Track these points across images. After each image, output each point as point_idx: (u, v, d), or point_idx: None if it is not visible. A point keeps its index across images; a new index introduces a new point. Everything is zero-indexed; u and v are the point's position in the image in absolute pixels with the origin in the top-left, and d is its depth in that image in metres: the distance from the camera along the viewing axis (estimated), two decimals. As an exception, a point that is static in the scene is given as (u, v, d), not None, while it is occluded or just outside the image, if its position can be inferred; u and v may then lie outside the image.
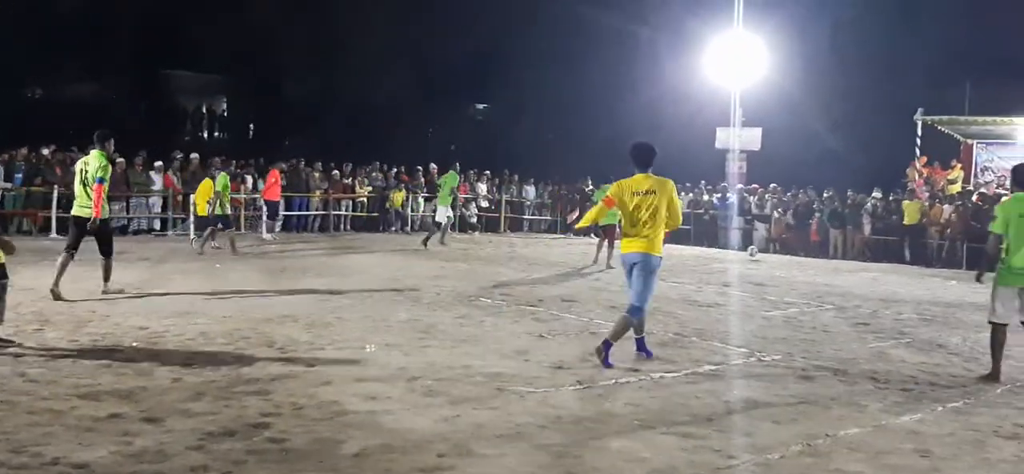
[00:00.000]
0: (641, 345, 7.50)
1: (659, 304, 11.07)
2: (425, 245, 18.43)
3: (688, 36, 26.91)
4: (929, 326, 10.28)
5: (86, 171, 9.82)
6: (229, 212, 16.74)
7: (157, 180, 20.31)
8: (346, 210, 24.32)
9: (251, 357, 7.00)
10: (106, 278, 10.12)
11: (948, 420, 5.87)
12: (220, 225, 15.97)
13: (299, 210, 23.22)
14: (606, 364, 6.98)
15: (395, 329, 8.52)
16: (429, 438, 5.02)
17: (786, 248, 22.81)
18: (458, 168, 21.59)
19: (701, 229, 24.62)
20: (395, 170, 25.89)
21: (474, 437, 5.07)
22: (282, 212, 22.61)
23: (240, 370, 6.54)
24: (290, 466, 4.54)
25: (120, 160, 18.60)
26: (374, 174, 25.27)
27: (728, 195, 24.70)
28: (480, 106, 43.72)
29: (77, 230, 9.96)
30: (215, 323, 8.39)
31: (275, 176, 20.06)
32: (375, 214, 24.77)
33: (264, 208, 20.44)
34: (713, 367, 7.35)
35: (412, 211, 25.04)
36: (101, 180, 9.71)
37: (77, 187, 9.99)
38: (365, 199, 24.67)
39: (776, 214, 23.98)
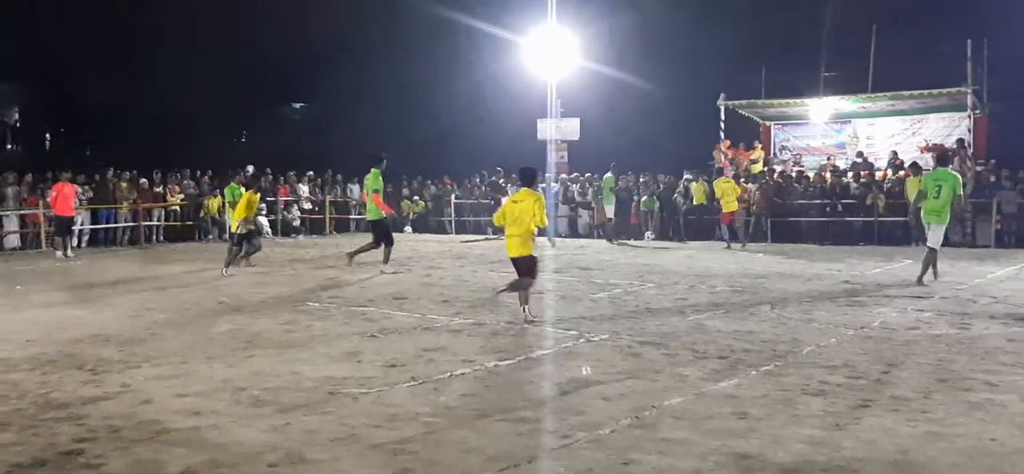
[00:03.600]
0: None
1: (491, 294, 11.19)
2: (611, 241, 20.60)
3: (504, 29, 27.31)
4: (741, 296, 10.93)
5: (366, 185, 14.46)
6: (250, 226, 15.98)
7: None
8: (158, 220, 23.06)
9: (60, 381, 6.49)
10: (385, 261, 14.08)
11: (761, 382, 6.25)
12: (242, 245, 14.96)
13: (106, 223, 21.81)
14: None
15: (217, 341, 8.14)
16: (259, 449, 4.82)
17: (607, 232, 23.59)
18: (614, 166, 22.87)
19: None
20: (208, 175, 24.80)
21: (306, 443, 4.91)
22: (88, 226, 21.23)
23: (48, 396, 6.05)
24: (106, 494, 4.24)
25: None
26: (185, 182, 24.10)
27: (552, 184, 25.27)
28: (297, 105, 42.59)
29: (382, 228, 14.30)
30: (17, 348, 7.73)
31: (58, 189, 18.56)
32: (190, 223, 23.65)
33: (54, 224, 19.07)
34: (544, 352, 7.49)
35: (229, 218, 24.06)
36: (376, 191, 14.12)
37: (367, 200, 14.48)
38: (178, 208, 23.49)
39: (597, 201, 24.76)
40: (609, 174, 22.96)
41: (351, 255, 14.55)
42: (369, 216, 14.59)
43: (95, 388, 6.28)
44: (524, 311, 9.28)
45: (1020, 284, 12.06)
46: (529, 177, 9.92)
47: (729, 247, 19.32)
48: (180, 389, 6.22)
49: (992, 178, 20.29)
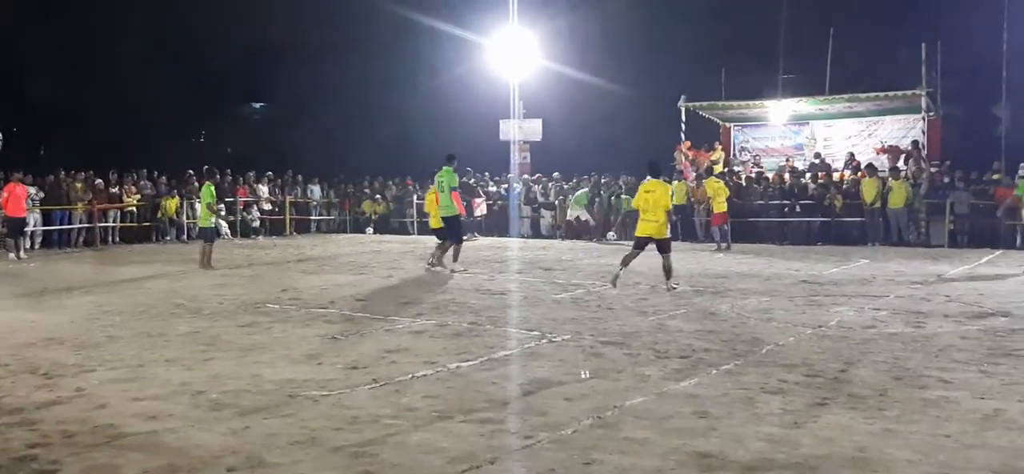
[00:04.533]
0: None
1: (453, 295, 11.19)
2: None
3: (467, 30, 27.32)
4: (701, 296, 11.02)
5: (442, 183, 14.35)
6: (213, 224, 16.01)
7: None
8: (114, 221, 22.67)
9: (12, 386, 6.34)
10: (455, 259, 14.27)
11: (721, 382, 6.30)
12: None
13: (60, 224, 21.40)
14: None
15: (175, 343, 8.02)
16: (217, 453, 4.75)
17: (571, 233, 23.70)
18: (586, 179, 22.67)
19: (491, 219, 25.10)
20: (165, 176, 24.45)
21: (266, 447, 4.85)
22: (41, 227, 20.82)
23: (0, 401, 5.90)
24: (60, 501, 4.15)
25: None
26: (142, 182, 23.73)
27: (514, 185, 25.32)
28: (256, 105, 42.08)
29: (453, 227, 14.41)
30: (-36, 353, 7.54)
31: (10, 190, 18.17)
32: (147, 224, 23.29)
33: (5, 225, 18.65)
34: (507, 352, 7.48)
35: (187, 218, 23.73)
36: (454, 188, 14.31)
37: (440, 196, 14.40)
38: (134, 208, 23.11)
39: (559, 201, 24.87)
40: (585, 190, 23.15)
41: (430, 264, 14.41)
42: (443, 213, 14.61)
43: (49, 392, 6.15)
44: (668, 283, 11.44)
45: (973, 283, 12.31)
46: (656, 169, 12.11)
47: (720, 249, 18.85)
48: (136, 393, 6.12)
49: (946, 179, 20.70)
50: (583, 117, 30.89)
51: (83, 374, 6.72)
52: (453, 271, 14.05)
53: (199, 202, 16.77)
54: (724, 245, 19.26)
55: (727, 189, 20.06)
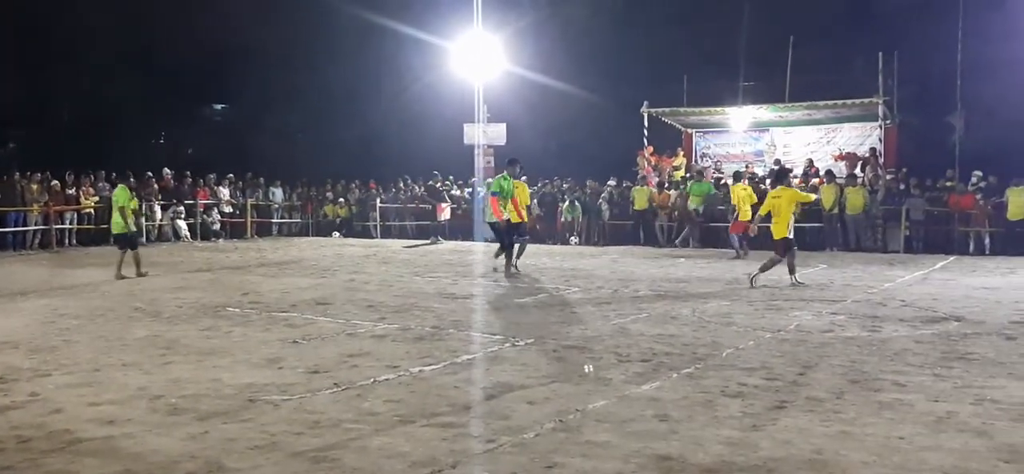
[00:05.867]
0: None
1: (416, 299, 11.16)
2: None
3: (431, 34, 27.25)
4: (663, 301, 11.10)
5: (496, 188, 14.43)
6: (130, 230, 14.62)
7: None
8: (71, 223, 22.27)
9: (-40, 392, 6.21)
10: (518, 256, 14.84)
11: (682, 385, 6.36)
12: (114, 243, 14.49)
13: (15, 226, 20.99)
14: None
15: (133, 347, 7.91)
16: (175, 458, 4.70)
17: (535, 237, 23.72)
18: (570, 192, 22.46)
19: (455, 223, 25.06)
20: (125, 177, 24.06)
21: (225, 452, 4.81)
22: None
23: (-52, 408, 5.78)
24: (13, 508, 4.07)
25: None
26: (101, 184, 23.35)
27: (478, 189, 25.27)
28: (218, 107, 41.57)
29: (496, 232, 14.92)
30: (-87, 358, 7.37)
31: None
32: (105, 226, 22.91)
33: None
34: (470, 356, 7.48)
35: (147, 220, 23.39)
36: (494, 194, 14.45)
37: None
38: (92, 210, 22.72)
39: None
40: (571, 203, 23.34)
41: (498, 269, 14.53)
42: (487, 219, 15.12)
43: (2, 397, 6.04)
44: (792, 278, 12.44)
45: (928, 288, 12.55)
46: (783, 176, 13.15)
47: (738, 256, 17.88)
48: (93, 397, 6.02)
49: (901, 186, 21.08)
50: (547, 122, 30.97)
51: (38, 379, 6.61)
52: (495, 269, 14.51)
53: (114, 206, 14.79)
54: (742, 252, 18.10)
55: (754, 196, 18.30)
